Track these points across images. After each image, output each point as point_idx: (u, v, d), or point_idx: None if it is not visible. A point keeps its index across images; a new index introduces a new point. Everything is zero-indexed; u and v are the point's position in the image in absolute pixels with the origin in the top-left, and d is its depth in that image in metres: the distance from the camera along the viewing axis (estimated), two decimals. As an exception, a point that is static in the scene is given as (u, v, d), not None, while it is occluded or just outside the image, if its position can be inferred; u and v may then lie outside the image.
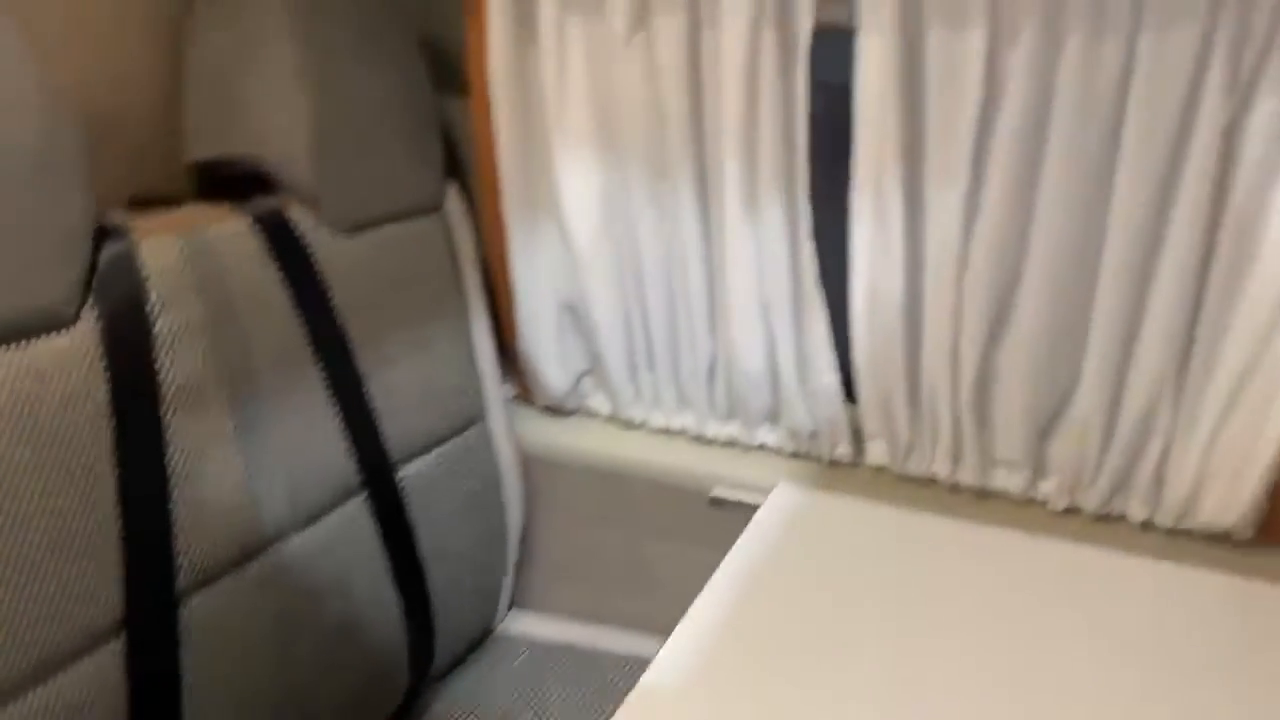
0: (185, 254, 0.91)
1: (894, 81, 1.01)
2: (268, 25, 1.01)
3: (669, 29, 1.08)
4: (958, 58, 0.98)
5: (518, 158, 1.24)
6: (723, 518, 1.25)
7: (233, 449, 0.94)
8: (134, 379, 0.85)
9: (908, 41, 1.00)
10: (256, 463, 0.97)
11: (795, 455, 1.30)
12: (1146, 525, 1.13)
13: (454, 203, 1.25)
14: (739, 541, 1.09)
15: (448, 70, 1.26)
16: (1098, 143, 0.97)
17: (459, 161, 1.31)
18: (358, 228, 1.09)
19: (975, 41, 0.97)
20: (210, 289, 0.92)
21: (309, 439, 1.03)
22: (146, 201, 0.99)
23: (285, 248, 1.00)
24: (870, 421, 1.22)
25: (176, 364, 0.89)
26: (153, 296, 0.87)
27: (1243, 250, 0.97)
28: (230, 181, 1.05)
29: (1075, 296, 1.05)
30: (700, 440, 1.35)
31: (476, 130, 1.27)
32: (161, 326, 0.88)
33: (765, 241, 1.15)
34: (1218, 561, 1.07)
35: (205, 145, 1.04)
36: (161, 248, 0.89)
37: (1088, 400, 1.09)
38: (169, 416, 0.88)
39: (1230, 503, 1.06)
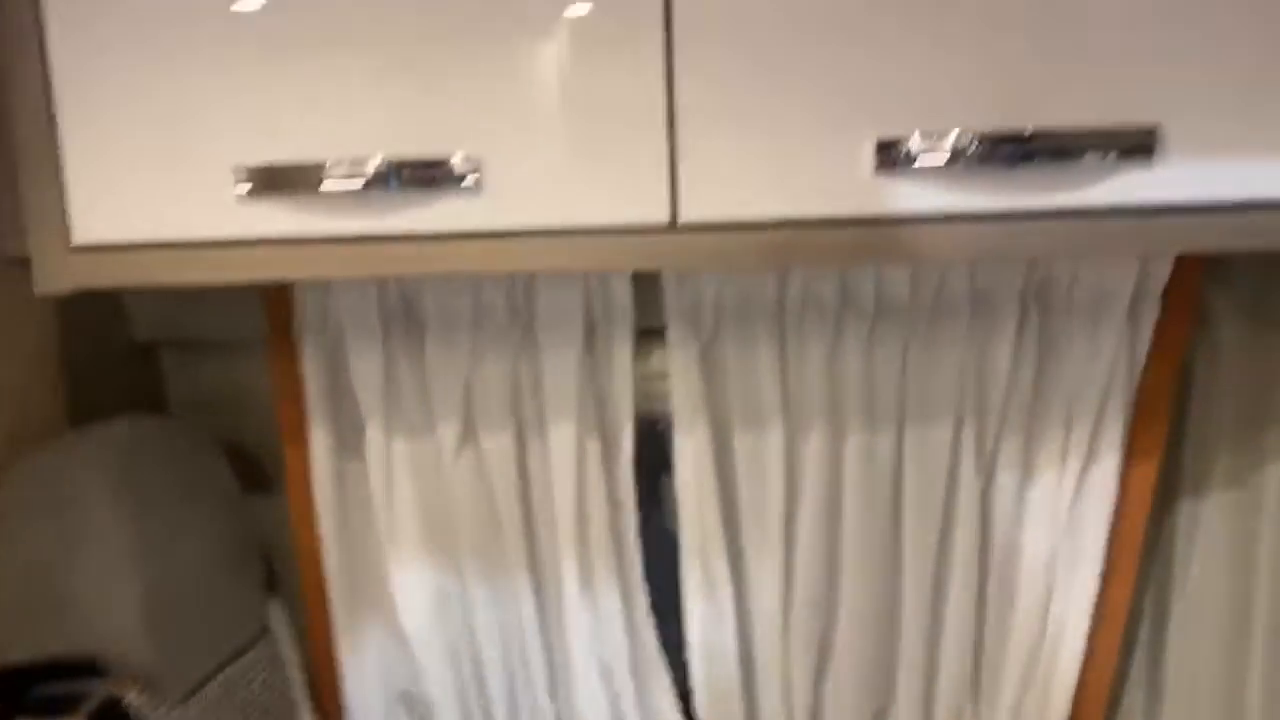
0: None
1: (709, 473, 1.13)
2: (90, 513, 0.96)
3: (497, 444, 1.15)
4: (761, 451, 1.13)
5: (344, 561, 1.24)
6: None
7: None
8: None
9: (717, 438, 1.14)
10: None
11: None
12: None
13: (277, 617, 1.21)
14: None
15: (255, 469, 1.25)
16: (885, 510, 1.14)
17: (272, 563, 1.27)
18: (193, 691, 1.03)
19: (775, 438, 1.12)
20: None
21: None
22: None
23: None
24: (716, 755, 1.29)
25: None
26: None
27: (1006, 578, 1.17)
28: (31, 671, 0.96)
29: (883, 629, 1.20)
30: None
31: (298, 535, 1.25)
32: None
33: (603, 615, 1.21)
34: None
35: (22, 647, 0.95)
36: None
37: (905, 707, 1.22)
38: None
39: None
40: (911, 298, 1.06)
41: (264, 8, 0.82)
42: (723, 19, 0.78)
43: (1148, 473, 1.10)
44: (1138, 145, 0.76)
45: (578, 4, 0.79)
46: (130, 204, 0.87)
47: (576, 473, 1.14)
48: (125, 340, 1.23)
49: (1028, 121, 0.77)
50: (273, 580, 1.25)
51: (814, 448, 1.12)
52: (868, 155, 0.79)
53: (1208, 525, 1.12)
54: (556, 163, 0.82)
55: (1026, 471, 1.12)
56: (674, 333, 1.10)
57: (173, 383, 1.27)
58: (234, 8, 0.82)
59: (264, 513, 1.26)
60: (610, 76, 0.80)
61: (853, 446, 1.11)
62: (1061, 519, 1.12)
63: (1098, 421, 1.08)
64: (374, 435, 1.17)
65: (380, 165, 0.83)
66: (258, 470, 1.27)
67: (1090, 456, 1.09)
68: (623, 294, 1.10)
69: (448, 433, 1.15)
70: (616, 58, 0.80)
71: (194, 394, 1.26)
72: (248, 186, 0.84)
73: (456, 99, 0.82)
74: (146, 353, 1.26)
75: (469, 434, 1.16)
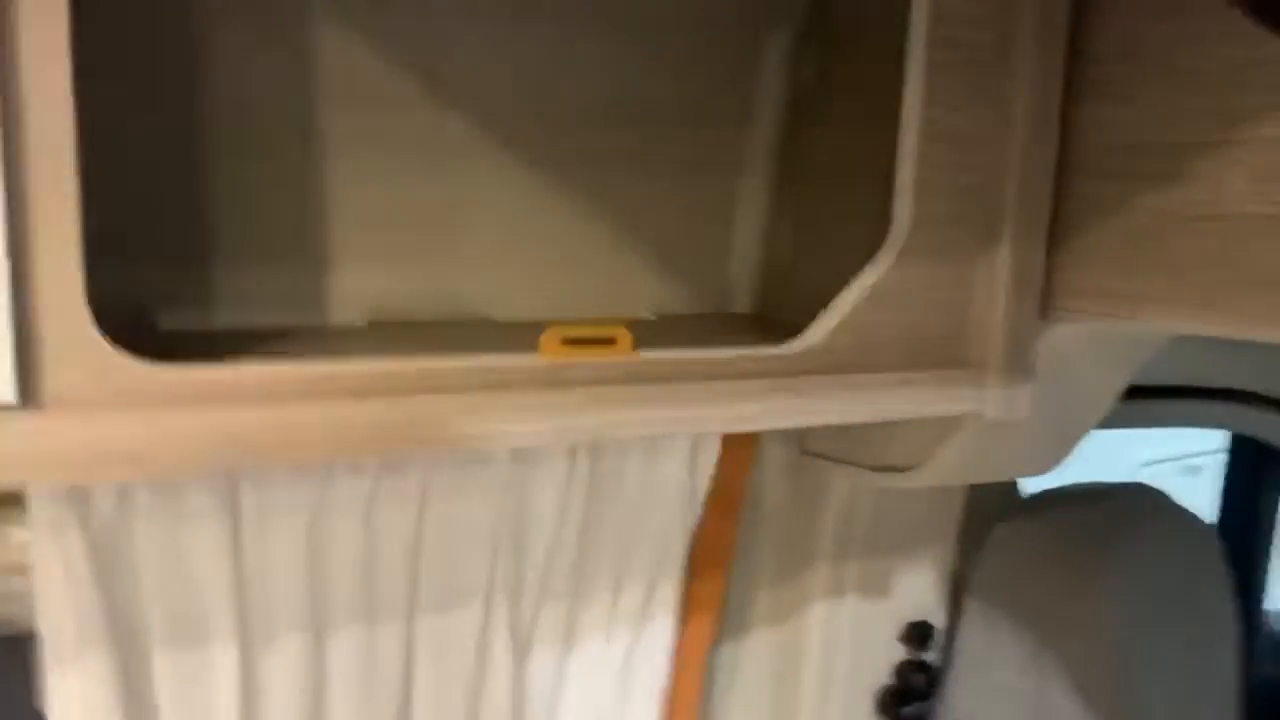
0: None
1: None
2: None
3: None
4: (201, 673, 0.73)
5: None
6: None
7: None
8: None
9: (121, 664, 0.70)
10: None
11: None
12: None
13: None
14: None
15: None
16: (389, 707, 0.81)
17: None
18: None
19: (222, 650, 0.72)
20: None
21: None
22: None
23: None
24: None
25: None
26: None
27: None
28: None
29: None
30: None
31: None
32: None
33: None
34: None
35: None
36: None
37: None
38: None
39: None
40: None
41: None
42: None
43: (704, 625, 0.92)
44: None
45: None
46: None
47: None
48: None
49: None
50: None
51: (285, 657, 0.75)
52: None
53: (748, 673, 0.98)
54: None
55: (569, 643, 0.87)
56: (40, 511, 0.65)
57: None
58: None
59: None
60: None
61: (342, 648, 0.77)
62: (607, 692, 0.90)
63: (654, 576, 0.87)
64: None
65: None
66: None
67: (643, 616, 0.88)
68: None
69: None
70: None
71: None
72: None
73: None
74: None
75: None
